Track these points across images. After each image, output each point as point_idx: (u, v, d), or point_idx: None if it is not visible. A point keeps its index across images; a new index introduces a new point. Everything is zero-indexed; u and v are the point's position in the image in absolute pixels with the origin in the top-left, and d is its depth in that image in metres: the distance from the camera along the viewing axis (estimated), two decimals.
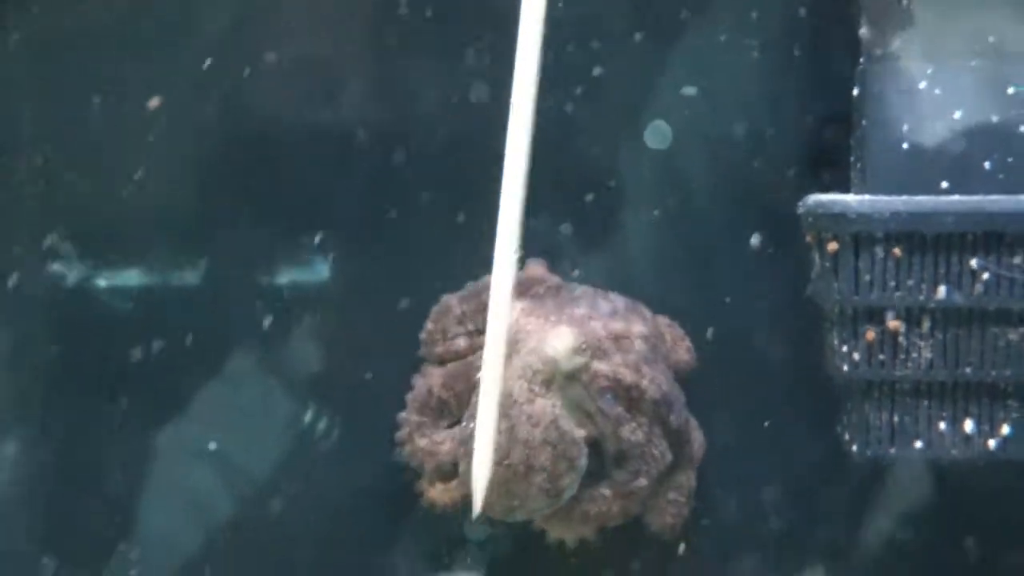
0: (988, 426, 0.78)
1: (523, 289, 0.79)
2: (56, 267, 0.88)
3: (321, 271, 0.88)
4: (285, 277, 0.88)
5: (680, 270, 0.86)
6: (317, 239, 0.87)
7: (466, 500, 0.78)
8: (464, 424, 0.79)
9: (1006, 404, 0.78)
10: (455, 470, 0.80)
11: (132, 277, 0.88)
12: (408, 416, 0.82)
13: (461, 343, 0.82)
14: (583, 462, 0.77)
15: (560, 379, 0.76)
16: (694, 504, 0.82)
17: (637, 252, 0.87)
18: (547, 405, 0.76)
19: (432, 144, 0.86)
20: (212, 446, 0.89)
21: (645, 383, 0.78)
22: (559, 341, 0.76)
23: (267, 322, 0.88)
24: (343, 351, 0.88)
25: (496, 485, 0.75)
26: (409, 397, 0.82)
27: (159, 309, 0.88)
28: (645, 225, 0.86)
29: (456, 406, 0.81)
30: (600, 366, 0.77)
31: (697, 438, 0.82)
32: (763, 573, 0.88)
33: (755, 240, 0.84)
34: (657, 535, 0.82)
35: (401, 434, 0.82)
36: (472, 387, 0.79)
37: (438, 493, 0.82)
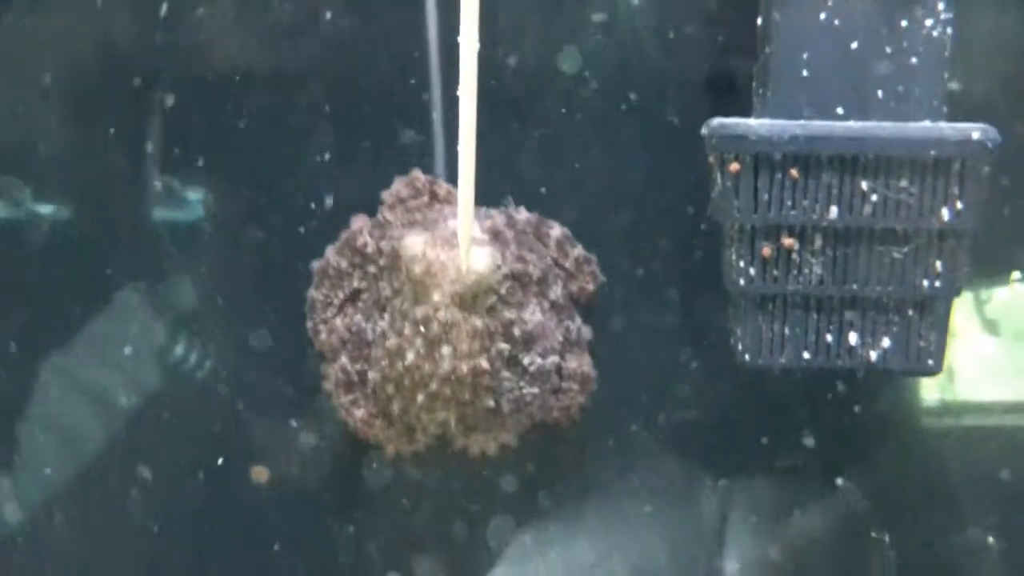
0: (871, 339, 0.82)
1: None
2: None
3: (196, 210, 0.90)
4: (161, 214, 0.90)
5: (587, 189, 0.89)
6: (192, 178, 0.89)
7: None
8: (373, 383, 0.85)
9: (888, 318, 0.82)
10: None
11: None
12: (339, 400, 0.87)
13: (338, 323, 0.87)
14: (506, 351, 0.83)
15: (483, 294, 0.81)
16: (592, 390, 0.87)
17: (544, 173, 0.90)
18: (477, 319, 0.81)
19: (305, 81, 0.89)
20: (89, 379, 0.91)
21: (530, 267, 0.83)
22: (481, 264, 0.80)
23: (144, 259, 0.90)
24: (220, 288, 0.91)
25: (447, 401, 0.82)
26: (330, 384, 0.88)
27: (32, 244, 0.90)
28: (553, 146, 0.89)
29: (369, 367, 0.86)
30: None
31: (577, 320, 0.87)
32: (661, 478, 0.92)
33: (658, 161, 0.88)
34: (554, 423, 0.87)
35: (341, 416, 0.87)
36: (371, 343, 0.85)
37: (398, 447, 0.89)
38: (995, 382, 0.92)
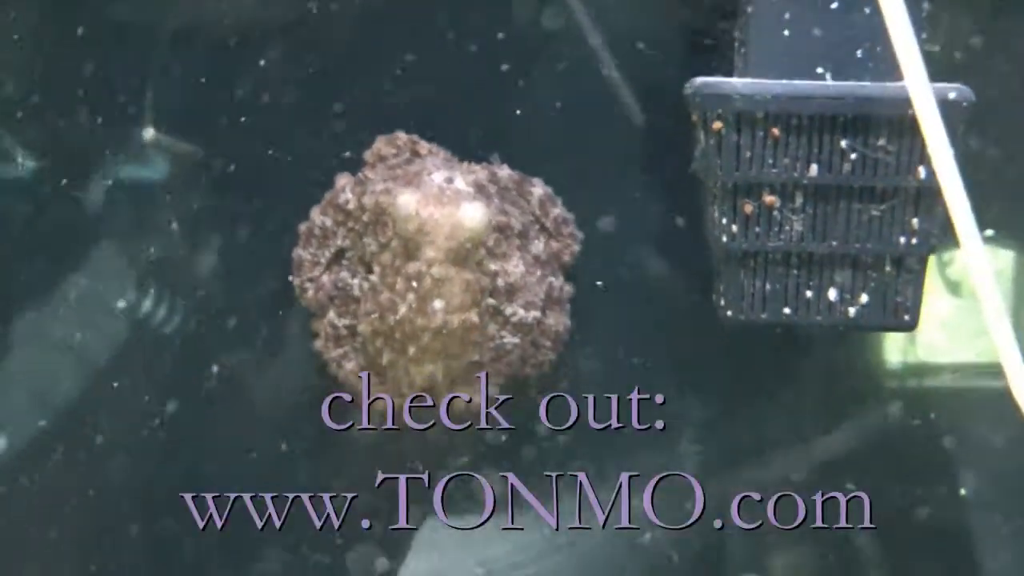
0: (849, 295, 0.84)
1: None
2: None
3: (161, 168, 0.91)
4: (126, 172, 0.91)
5: (569, 149, 0.91)
6: (156, 135, 0.90)
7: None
8: (362, 336, 0.86)
9: (866, 275, 0.84)
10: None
11: None
12: (328, 354, 0.89)
13: (325, 279, 0.88)
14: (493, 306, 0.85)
15: (474, 249, 0.82)
16: (562, 350, 0.89)
17: (525, 132, 0.91)
18: (468, 273, 0.82)
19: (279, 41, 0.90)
20: (61, 335, 0.92)
21: (512, 220, 0.85)
22: (473, 221, 0.81)
23: (114, 216, 0.92)
24: (189, 247, 0.93)
25: (436, 354, 0.84)
26: (320, 340, 0.89)
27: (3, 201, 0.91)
28: (536, 106, 0.90)
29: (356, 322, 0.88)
30: None
31: (559, 277, 0.89)
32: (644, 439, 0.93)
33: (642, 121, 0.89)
34: (524, 377, 0.89)
35: (331, 369, 0.89)
36: (358, 298, 0.86)
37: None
38: (956, 343, 0.94)
